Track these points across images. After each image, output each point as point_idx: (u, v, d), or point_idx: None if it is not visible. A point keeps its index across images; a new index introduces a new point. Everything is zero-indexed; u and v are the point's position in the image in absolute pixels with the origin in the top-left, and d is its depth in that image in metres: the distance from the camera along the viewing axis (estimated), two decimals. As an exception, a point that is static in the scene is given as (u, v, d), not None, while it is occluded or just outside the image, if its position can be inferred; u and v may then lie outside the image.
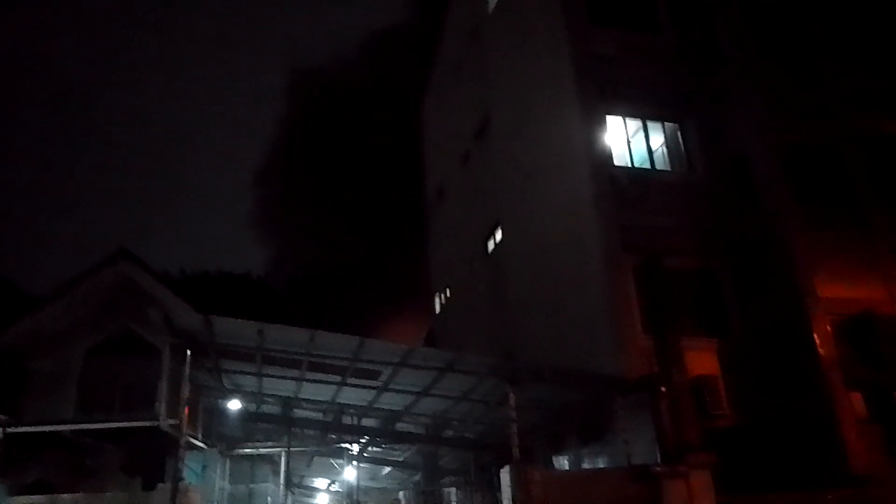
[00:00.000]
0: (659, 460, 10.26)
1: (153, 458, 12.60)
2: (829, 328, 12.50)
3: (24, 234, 77.33)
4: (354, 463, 16.70)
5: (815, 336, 12.33)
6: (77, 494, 9.78)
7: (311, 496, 23.05)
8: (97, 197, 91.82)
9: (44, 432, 11.55)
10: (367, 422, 16.14)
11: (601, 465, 12.74)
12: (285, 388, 14.18)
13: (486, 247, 20.77)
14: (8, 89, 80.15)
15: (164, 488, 9.03)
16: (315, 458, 18.69)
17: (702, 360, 12.34)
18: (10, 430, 10.20)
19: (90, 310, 14.64)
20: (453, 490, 19.45)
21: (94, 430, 12.16)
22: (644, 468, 10.03)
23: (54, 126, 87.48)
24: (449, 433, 16.76)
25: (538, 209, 16.76)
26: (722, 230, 14.02)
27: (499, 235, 19.79)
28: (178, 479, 9.17)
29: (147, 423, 11.24)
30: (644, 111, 15.03)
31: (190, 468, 11.40)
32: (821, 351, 12.24)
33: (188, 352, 10.39)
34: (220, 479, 15.28)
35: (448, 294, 25.76)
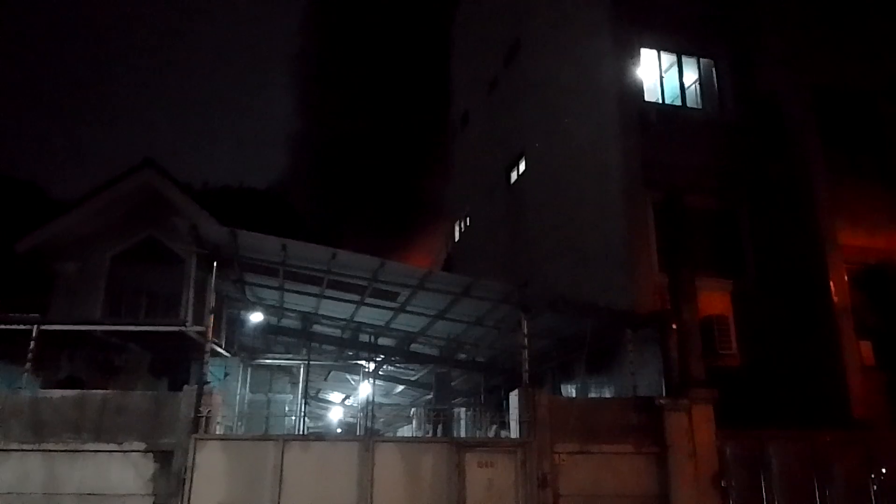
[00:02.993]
0: (664, 393, 10.60)
1: (178, 361, 13.17)
2: (845, 276, 12.58)
3: (49, 140, 77.78)
4: (369, 379, 17.29)
5: (831, 283, 12.43)
6: (107, 391, 10.30)
7: (326, 409, 23.96)
8: (126, 107, 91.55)
9: (74, 331, 12.06)
10: (383, 341, 16.62)
11: (607, 395, 13.14)
12: (306, 303, 14.59)
13: (508, 177, 20.73)
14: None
15: (189, 390, 9.49)
16: (332, 373, 19.35)
17: (715, 300, 12.52)
18: (43, 327, 10.65)
19: (115, 217, 14.94)
20: (463, 410, 20.14)
21: (122, 331, 12.65)
22: (648, 399, 10.37)
23: (84, 35, 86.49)
24: (462, 356, 17.25)
25: (563, 141, 16.63)
26: (747, 172, 13.94)
27: (522, 166, 19.72)
28: (202, 382, 9.64)
29: (175, 328, 11.68)
30: (679, 45, 14.70)
31: (213, 374, 11.91)
32: (835, 298, 12.36)
33: (214, 263, 10.70)
34: (240, 387, 15.95)
35: (468, 222, 25.89)
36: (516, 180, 20.16)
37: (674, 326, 10.70)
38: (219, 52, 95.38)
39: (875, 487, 10.09)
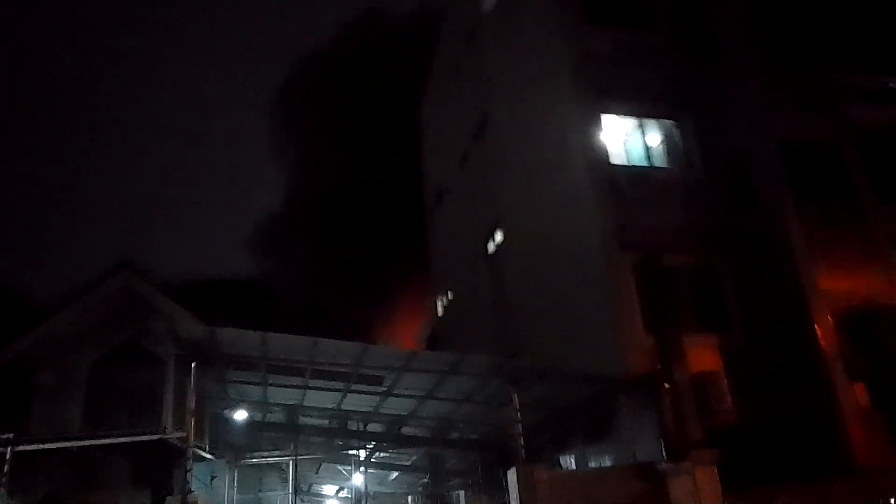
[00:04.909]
0: (664, 457, 10.32)
1: (161, 469, 12.68)
2: (829, 320, 12.57)
3: (22, 244, 77.26)
4: (362, 468, 16.75)
5: (817, 329, 12.39)
6: (87, 508, 9.85)
7: (320, 502, 23.08)
8: (98, 206, 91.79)
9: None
10: (372, 427, 16.19)
11: (606, 464, 12.79)
12: (290, 396, 14.23)
13: (486, 248, 20.80)
14: (8, 87, 79.92)
15: (172, 501, 9.08)
16: (323, 465, 18.75)
17: (704, 357, 12.38)
18: (17, 448, 10.23)
19: (94, 321, 14.69)
20: (461, 492, 19.50)
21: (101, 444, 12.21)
22: (649, 466, 10.08)
23: (52, 133, 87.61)
24: (454, 435, 16.82)
25: (537, 209, 16.80)
26: (721, 227, 14.06)
27: (499, 236, 19.82)
28: (186, 491, 9.23)
29: (153, 437, 11.30)
30: (640, 110, 15.05)
31: (198, 479, 11.47)
32: (822, 343, 12.30)
33: (193, 363, 10.44)
34: (228, 489, 15.34)
35: (450, 296, 25.78)
36: (494, 250, 20.21)
37: (666, 387, 10.54)
38: (189, 148, 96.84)
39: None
